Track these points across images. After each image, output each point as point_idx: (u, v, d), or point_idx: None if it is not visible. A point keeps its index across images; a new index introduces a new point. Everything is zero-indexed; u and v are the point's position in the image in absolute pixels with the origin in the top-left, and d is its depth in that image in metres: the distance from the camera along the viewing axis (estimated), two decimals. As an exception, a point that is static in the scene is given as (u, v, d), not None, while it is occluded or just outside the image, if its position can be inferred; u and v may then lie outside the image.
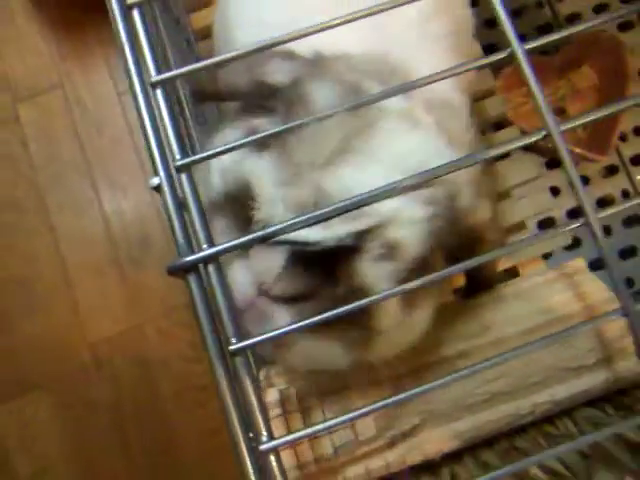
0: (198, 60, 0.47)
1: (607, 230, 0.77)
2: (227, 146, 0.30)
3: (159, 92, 0.31)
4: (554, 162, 0.84)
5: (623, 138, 0.84)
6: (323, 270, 0.31)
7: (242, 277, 0.33)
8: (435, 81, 0.29)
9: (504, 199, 0.80)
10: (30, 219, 1.17)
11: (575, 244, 0.77)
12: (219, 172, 0.36)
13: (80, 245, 1.15)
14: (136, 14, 0.32)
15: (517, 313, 0.40)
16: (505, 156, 0.83)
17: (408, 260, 0.32)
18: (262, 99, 0.37)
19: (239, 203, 0.34)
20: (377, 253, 0.31)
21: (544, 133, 0.31)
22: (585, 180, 0.83)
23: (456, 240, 0.34)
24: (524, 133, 0.82)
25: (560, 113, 0.95)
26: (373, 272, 0.32)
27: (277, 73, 0.36)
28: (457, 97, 0.41)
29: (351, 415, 0.28)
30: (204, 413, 1.04)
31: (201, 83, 0.41)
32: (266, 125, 0.35)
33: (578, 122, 0.32)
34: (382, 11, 0.30)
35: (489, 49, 0.85)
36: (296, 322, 0.27)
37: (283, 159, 0.33)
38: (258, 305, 0.32)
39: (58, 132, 1.21)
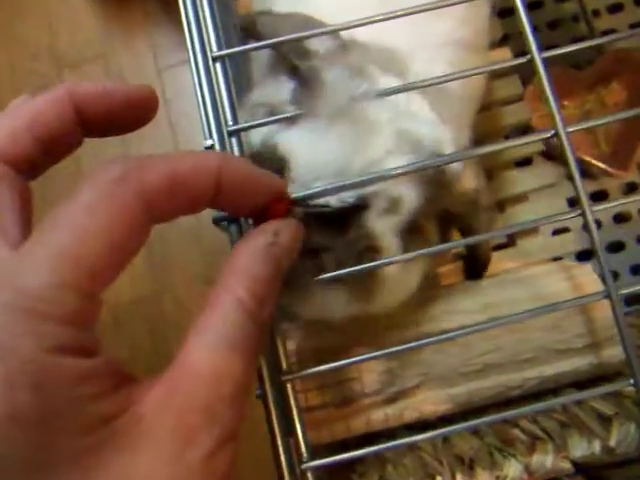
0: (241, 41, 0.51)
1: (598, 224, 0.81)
2: (273, 118, 0.34)
3: (218, 65, 0.35)
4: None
5: (647, 156, 0.86)
6: (335, 226, 0.36)
7: None
8: (447, 81, 0.34)
9: (520, 202, 0.83)
10: (65, 186, 1.22)
11: (587, 253, 0.80)
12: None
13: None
14: (204, -3, 0.36)
15: (515, 296, 0.44)
16: (527, 162, 0.86)
17: (407, 213, 0.38)
18: (295, 57, 0.41)
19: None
20: (382, 208, 0.37)
21: (553, 132, 0.35)
22: (604, 195, 0.86)
23: (446, 201, 0.39)
24: (549, 144, 0.85)
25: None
26: (379, 224, 0.37)
27: (316, 42, 0.41)
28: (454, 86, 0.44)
29: (356, 359, 0.33)
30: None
31: (251, 23, 0.45)
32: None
33: (586, 125, 0.36)
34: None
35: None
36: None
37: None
38: None
39: (98, 102, 1.25)
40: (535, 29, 0.92)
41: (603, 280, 0.33)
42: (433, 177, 0.38)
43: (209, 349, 0.23)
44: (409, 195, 0.37)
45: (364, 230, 0.36)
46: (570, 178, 0.35)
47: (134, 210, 0.23)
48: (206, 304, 0.24)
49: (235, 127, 0.35)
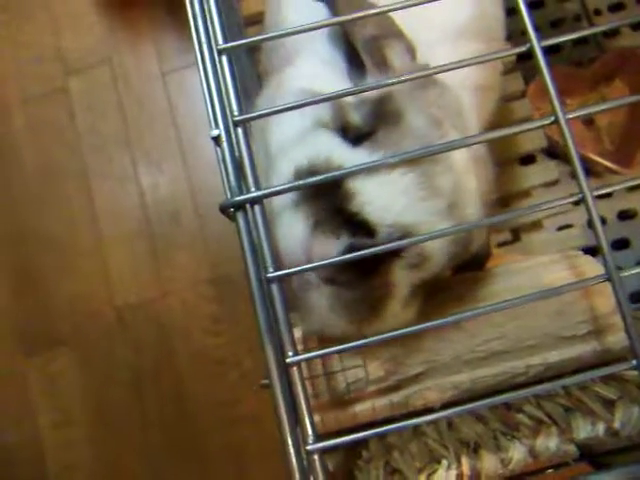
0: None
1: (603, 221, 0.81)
2: (281, 106, 0.35)
3: (224, 58, 0.36)
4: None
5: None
6: (366, 265, 0.37)
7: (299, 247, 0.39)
8: (449, 70, 0.35)
9: (524, 199, 0.84)
10: (70, 185, 1.23)
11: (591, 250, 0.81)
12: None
13: (115, 214, 1.21)
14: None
15: (522, 284, 0.45)
16: (531, 160, 0.87)
17: (430, 272, 0.40)
18: (368, 58, 0.43)
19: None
20: (411, 262, 0.38)
21: (552, 118, 0.35)
22: (608, 192, 0.86)
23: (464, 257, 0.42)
24: (550, 140, 0.85)
25: (588, 124, 0.97)
26: (403, 276, 0.39)
27: (394, 54, 0.42)
28: (465, 94, 0.46)
29: (361, 342, 0.33)
30: (220, 385, 1.09)
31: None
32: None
33: (586, 111, 0.36)
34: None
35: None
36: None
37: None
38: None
39: (103, 105, 1.26)
40: (537, 28, 0.92)
41: (604, 260, 0.34)
42: (461, 240, 0.40)
43: None
44: (438, 253, 0.39)
45: (388, 279, 0.38)
46: (572, 169, 0.35)
47: None
48: None
49: (241, 117, 0.36)
